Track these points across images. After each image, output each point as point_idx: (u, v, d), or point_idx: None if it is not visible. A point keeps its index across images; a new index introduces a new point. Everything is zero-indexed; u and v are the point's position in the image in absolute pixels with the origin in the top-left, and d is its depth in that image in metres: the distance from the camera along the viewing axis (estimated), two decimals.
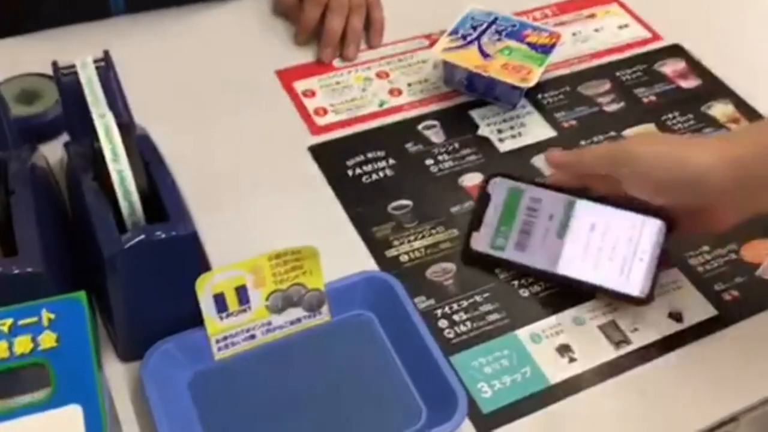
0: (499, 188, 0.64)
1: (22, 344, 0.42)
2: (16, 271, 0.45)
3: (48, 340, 0.42)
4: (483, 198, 0.63)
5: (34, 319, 0.43)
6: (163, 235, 0.48)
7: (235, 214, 0.63)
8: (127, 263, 0.47)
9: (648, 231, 0.60)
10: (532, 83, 0.71)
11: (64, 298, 0.44)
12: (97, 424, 0.39)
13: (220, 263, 0.57)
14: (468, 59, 0.73)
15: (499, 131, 0.72)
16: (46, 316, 0.43)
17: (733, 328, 0.58)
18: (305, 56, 0.79)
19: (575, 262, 0.59)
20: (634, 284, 0.58)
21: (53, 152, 0.64)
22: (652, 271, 0.59)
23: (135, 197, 0.49)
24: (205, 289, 0.50)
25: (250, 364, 0.53)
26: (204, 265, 0.51)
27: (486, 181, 0.64)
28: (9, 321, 0.43)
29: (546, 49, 0.74)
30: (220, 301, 0.51)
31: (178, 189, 0.51)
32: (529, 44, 0.74)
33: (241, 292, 0.52)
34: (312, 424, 0.50)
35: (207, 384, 0.52)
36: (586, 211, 0.62)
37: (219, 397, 0.51)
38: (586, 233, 0.61)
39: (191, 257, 0.49)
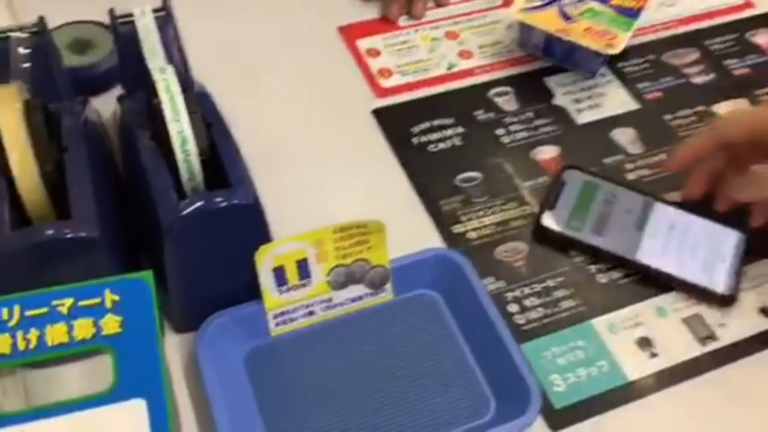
0: (575, 179, 0.59)
1: (83, 328, 0.39)
2: (70, 236, 0.42)
3: (111, 324, 0.39)
4: (558, 183, 0.59)
5: (97, 300, 0.39)
6: (224, 203, 0.44)
7: (294, 180, 0.59)
8: (185, 231, 0.44)
9: (728, 242, 0.56)
10: (617, 50, 0.65)
11: (129, 278, 0.40)
12: (162, 421, 0.36)
13: (277, 233, 0.54)
14: (547, 21, 0.67)
15: (577, 101, 0.67)
16: (109, 297, 0.40)
17: None
18: (369, 12, 0.74)
19: (656, 254, 0.55)
20: (718, 282, 0.54)
21: (106, 106, 0.61)
22: (735, 274, 0.54)
23: (195, 161, 0.46)
24: (265, 261, 0.47)
25: (308, 342, 0.50)
26: (265, 236, 0.47)
27: (561, 171, 0.60)
28: (69, 301, 0.39)
29: (632, 13, 0.68)
30: (279, 274, 0.48)
31: (241, 154, 0.47)
32: (614, 7, 0.68)
33: (302, 266, 0.49)
34: (370, 407, 0.47)
35: (263, 360, 0.49)
36: (665, 212, 0.58)
37: (275, 374, 0.48)
38: (665, 231, 0.57)
39: (252, 227, 0.46)
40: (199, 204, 0.44)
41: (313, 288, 0.50)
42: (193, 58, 0.54)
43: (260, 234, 0.47)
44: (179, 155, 0.45)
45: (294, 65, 0.68)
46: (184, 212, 0.44)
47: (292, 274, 0.49)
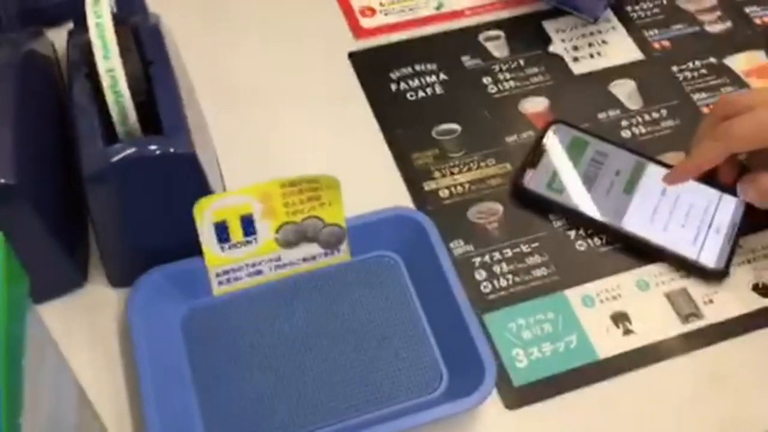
0: (562, 135, 0.54)
1: None
2: None
3: None
4: (543, 139, 0.54)
5: None
6: (155, 151, 0.40)
7: (257, 128, 0.55)
8: (112, 180, 0.41)
9: (725, 207, 0.51)
10: None
11: None
12: None
13: (232, 183, 0.51)
14: None
15: (575, 48, 0.61)
16: None
17: None
18: None
19: (643, 221, 0.50)
20: (708, 255, 0.49)
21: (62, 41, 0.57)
22: (729, 246, 0.49)
23: (128, 103, 0.42)
24: (205, 215, 0.44)
25: (254, 303, 0.46)
26: (204, 188, 0.44)
27: (548, 126, 0.55)
28: None
29: None
30: (222, 229, 0.45)
31: (180, 97, 0.43)
32: None
33: (247, 222, 0.45)
34: (312, 376, 0.44)
35: (203, 321, 0.46)
36: (658, 174, 0.53)
37: (214, 336, 0.45)
38: (656, 195, 0.51)
39: (189, 178, 0.42)
40: (126, 152, 0.40)
41: (260, 246, 0.46)
42: None
43: (198, 186, 0.43)
44: (109, 96, 0.41)
45: (267, 2, 0.63)
46: (109, 160, 0.40)
47: (235, 230, 0.45)
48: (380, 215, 0.48)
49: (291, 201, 0.45)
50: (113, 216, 0.43)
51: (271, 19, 0.62)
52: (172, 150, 0.41)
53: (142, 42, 0.46)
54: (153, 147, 0.41)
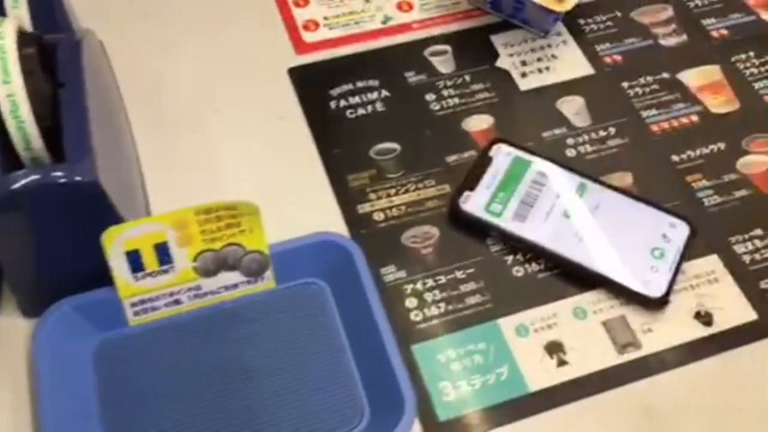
0: (503, 155, 0.52)
1: None
2: None
3: None
4: (483, 159, 0.52)
5: None
6: (58, 179, 0.39)
7: (190, 147, 0.53)
8: (11, 208, 0.39)
9: (670, 232, 0.49)
10: (568, 7, 0.57)
11: None
12: None
13: (161, 207, 0.49)
14: None
15: (523, 63, 0.60)
16: None
17: None
18: None
19: (583, 246, 0.48)
20: (649, 282, 0.47)
21: None
22: (671, 273, 0.47)
23: (30, 128, 0.40)
24: (114, 244, 0.42)
25: (171, 334, 0.45)
26: (112, 217, 0.42)
27: (489, 145, 0.53)
28: None
29: None
30: (135, 258, 0.43)
31: (87, 121, 0.41)
32: None
33: (161, 250, 0.43)
34: (229, 410, 0.42)
35: (116, 354, 0.44)
36: (601, 197, 0.51)
37: (126, 370, 0.43)
38: (598, 219, 0.50)
39: (94, 207, 0.40)
40: (27, 180, 0.38)
41: (177, 274, 0.44)
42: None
43: (105, 214, 0.41)
44: (10, 122, 0.39)
45: (205, 11, 0.61)
46: (8, 188, 0.38)
47: (149, 259, 0.43)
48: (305, 241, 0.46)
49: (208, 228, 0.44)
50: (16, 245, 0.41)
51: (212, 34, 0.60)
52: (73, 178, 0.39)
53: (57, 62, 0.45)
54: (55, 174, 0.39)
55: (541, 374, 0.45)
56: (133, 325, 0.45)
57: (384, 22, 0.62)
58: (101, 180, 0.39)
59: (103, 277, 0.43)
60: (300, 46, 0.60)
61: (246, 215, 0.44)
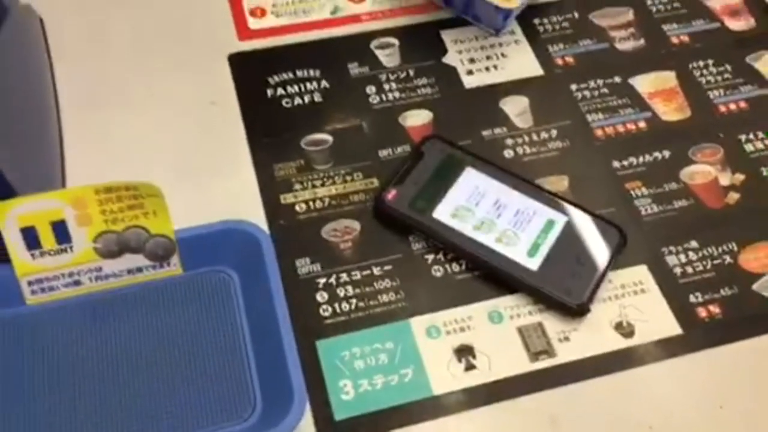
0: (435, 151, 0.51)
1: None
2: None
3: None
4: (415, 155, 0.51)
5: None
6: None
7: (116, 129, 0.52)
8: None
9: (600, 241, 0.47)
10: (515, 4, 0.56)
11: None
12: None
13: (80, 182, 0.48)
14: None
15: (471, 60, 0.58)
16: None
17: (695, 357, 0.44)
18: None
19: (506, 248, 0.47)
20: (571, 287, 0.45)
21: None
22: (595, 281, 0.46)
23: None
24: (8, 219, 0.41)
25: (68, 315, 0.44)
26: (5, 190, 0.41)
27: (423, 141, 0.51)
28: None
29: None
30: (30, 235, 0.42)
31: None
32: None
33: (59, 229, 0.42)
34: (116, 398, 0.41)
35: (10, 332, 0.43)
36: (531, 199, 0.49)
37: (17, 349, 0.42)
38: (525, 222, 0.48)
39: None
40: None
41: (77, 255, 0.43)
42: None
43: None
44: None
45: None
46: None
47: (46, 237, 0.42)
48: (212, 228, 0.45)
49: (109, 208, 0.42)
50: None
51: (155, 15, 0.59)
52: None
53: None
54: None
55: (446, 378, 0.43)
56: (30, 304, 0.44)
57: (333, 13, 0.60)
58: None
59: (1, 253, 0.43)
60: (243, 32, 0.58)
61: (149, 197, 0.42)
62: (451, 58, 0.58)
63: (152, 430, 0.40)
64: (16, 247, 0.42)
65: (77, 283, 0.44)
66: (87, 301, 0.44)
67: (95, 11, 0.58)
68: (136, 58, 0.56)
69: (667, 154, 0.53)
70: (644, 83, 0.57)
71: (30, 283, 0.43)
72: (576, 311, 0.45)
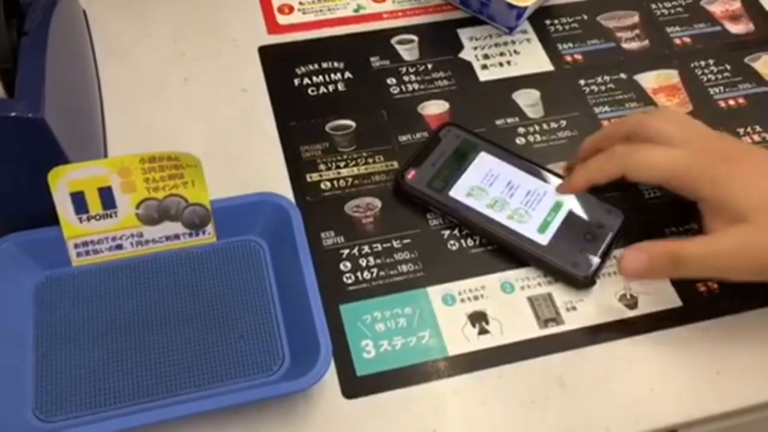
0: (452, 137, 0.54)
1: None
2: None
3: None
4: (433, 140, 0.54)
5: None
6: (5, 113, 0.41)
7: (154, 108, 0.56)
8: None
9: (604, 219, 0.51)
10: (528, 3, 0.60)
11: None
12: None
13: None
14: None
15: (486, 56, 0.62)
16: None
17: (695, 327, 0.47)
18: None
19: (517, 225, 0.50)
20: (578, 261, 0.48)
21: None
22: (600, 256, 0.49)
23: None
24: (60, 184, 0.44)
25: (111, 276, 0.47)
26: (59, 156, 0.44)
27: (440, 128, 0.55)
28: None
29: None
30: (79, 200, 0.45)
31: (44, 67, 0.44)
32: None
33: (105, 195, 0.46)
34: (152, 350, 0.44)
35: (57, 290, 0.46)
36: (541, 181, 0.52)
37: (65, 306, 0.45)
38: (535, 202, 0.51)
39: (41, 144, 0.43)
40: None
41: (120, 220, 0.47)
42: None
43: (53, 153, 0.44)
44: None
45: None
46: None
47: (93, 202, 0.46)
48: (244, 200, 0.48)
49: (152, 177, 0.46)
50: None
51: (191, 13, 0.63)
52: (20, 113, 0.42)
53: (26, 14, 0.48)
54: (2, 108, 0.42)
55: (461, 340, 0.46)
56: (75, 265, 0.47)
57: (356, 11, 0.64)
58: (48, 119, 0.42)
59: (50, 216, 0.46)
60: (272, 26, 0.62)
61: (188, 167, 0.46)
62: (467, 54, 0.62)
63: (189, 381, 0.43)
64: (65, 210, 0.45)
65: (119, 247, 0.48)
66: (128, 264, 0.47)
67: (136, 5, 0.63)
68: (173, 49, 0.60)
69: None
70: (648, 80, 0.61)
71: (76, 246, 0.47)
72: (582, 283, 0.48)
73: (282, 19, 0.63)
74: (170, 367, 0.44)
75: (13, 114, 0.41)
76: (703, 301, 0.49)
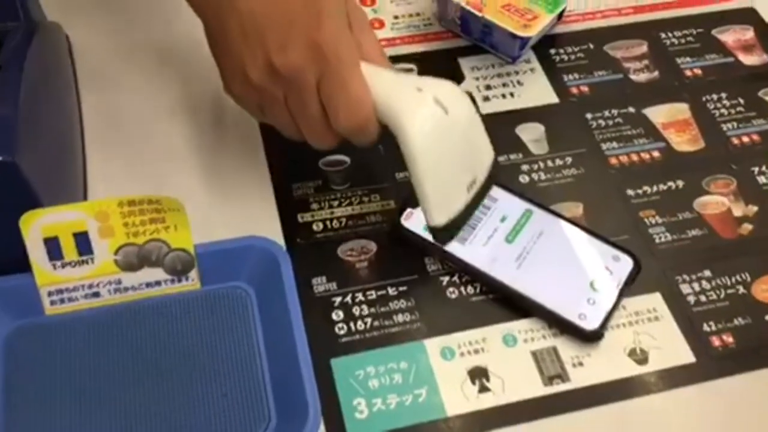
0: None
1: None
2: None
3: None
4: None
5: None
6: None
7: (137, 145, 0.53)
8: None
9: (613, 266, 0.48)
10: (532, 33, 0.57)
11: None
12: None
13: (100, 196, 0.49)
14: None
15: (488, 87, 0.59)
16: None
17: (709, 386, 0.45)
18: None
19: (520, 273, 0.47)
20: (586, 312, 0.46)
21: None
22: (609, 307, 0.46)
23: None
24: (32, 229, 0.41)
25: (87, 326, 0.44)
26: (33, 200, 0.41)
27: None
28: None
29: None
30: (53, 246, 0.42)
31: (17, 105, 0.41)
32: None
33: (81, 240, 0.43)
34: (131, 410, 0.41)
35: (29, 342, 0.43)
36: (546, 224, 0.49)
37: (37, 359, 0.43)
38: (539, 245, 0.48)
39: (13, 188, 0.40)
40: None
41: (97, 267, 0.44)
42: None
43: (25, 198, 0.41)
44: None
45: (177, 17, 0.61)
46: None
47: (68, 248, 0.43)
48: (233, 244, 0.46)
49: (131, 221, 0.43)
50: None
51: (176, 38, 0.60)
52: None
53: (2, 47, 0.45)
54: None
55: (460, 399, 0.43)
56: (49, 314, 0.44)
57: None
58: (20, 161, 0.39)
59: (21, 262, 0.43)
60: None
61: (170, 211, 0.43)
62: (468, 85, 0.59)
63: None
64: (38, 257, 0.43)
65: (96, 294, 0.45)
66: (105, 313, 0.44)
67: (119, 29, 0.60)
68: (158, 76, 0.57)
69: (680, 183, 0.54)
70: (658, 114, 0.58)
71: (50, 294, 0.44)
72: (590, 336, 0.45)
73: None
74: (148, 427, 0.41)
75: None
76: (718, 357, 0.46)
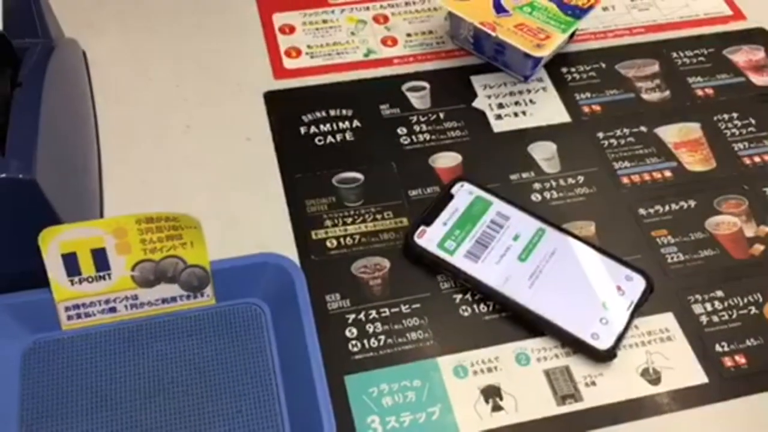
0: (465, 193, 0.52)
1: None
2: None
3: None
4: (444, 196, 0.52)
5: None
6: None
7: (154, 157, 0.54)
8: None
9: (626, 286, 0.48)
10: (545, 53, 0.57)
11: None
12: None
13: (116, 212, 0.49)
14: (477, 12, 0.59)
15: (500, 106, 0.59)
16: None
17: (721, 407, 0.45)
18: None
19: (533, 291, 0.47)
20: (599, 332, 0.46)
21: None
22: (621, 327, 0.46)
23: None
24: (50, 246, 0.42)
25: (104, 342, 0.44)
26: (51, 217, 0.42)
27: (452, 183, 0.52)
28: None
29: (578, 13, 0.59)
30: (71, 262, 0.43)
31: (36, 121, 0.42)
32: (559, 3, 0.60)
33: (99, 256, 0.43)
34: (144, 424, 0.41)
35: (46, 356, 0.43)
36: (558, 243, 0.50)
37: (54, 374, 0.43)
38: (552, 264, 0.49)
39: (32, 205, 0.41)
40: None
41: (114, 282, 0.44)
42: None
43: (44, 214, 0.41)
44: None
45: (193, 26, 0.62)
46: None
47: (86, 264, 0.43)
48: (247, 260, 0.46)
49: (148, 238, 0.43)
50: None
51: (194, 55, 0.60)
52: (9, 174, 0.39)
53: (21, 61, 0.45)
54: None
55: (473, 418, 0.43)
56: (66, 329, 0.44)
57: (366, 55, 0.62)
58: (39, 179, 0.40)
59: (40, 278, 0.43)
60: (279, 71, 0.60)
61: (187, 228, 0.44)
62: (480, 103, 0.59)
63: None
64: (56, 272, 0.43)
65: (113, 310, 0.45)
66: (121, 328, 0.45)
67: (137, 47, 0.60)
68: (175, 93, 0.58)
69: (692, 203, 0.54)
70: (670, 133, 0.58)
71: (67, 309, 0.44)
72: (603, 356, 0.45)
73: (289, 63, 0.61)
74: None
75: (3, 175, 0.39)
76: (730, 378, 0.46)
